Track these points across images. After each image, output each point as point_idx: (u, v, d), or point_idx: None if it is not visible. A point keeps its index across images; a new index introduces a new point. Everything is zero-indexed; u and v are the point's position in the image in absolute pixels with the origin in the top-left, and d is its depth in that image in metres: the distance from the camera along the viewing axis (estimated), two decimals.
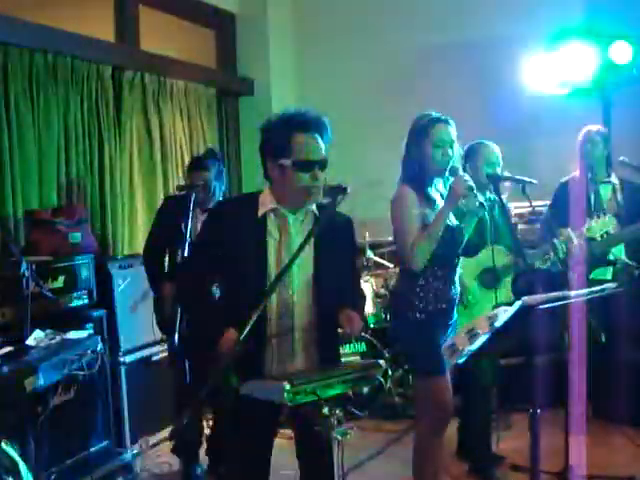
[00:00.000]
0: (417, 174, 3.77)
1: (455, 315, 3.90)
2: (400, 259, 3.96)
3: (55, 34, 5.25)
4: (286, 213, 3.14)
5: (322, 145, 3.09)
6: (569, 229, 4.32)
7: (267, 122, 3.17)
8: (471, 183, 3.65)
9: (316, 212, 3.18)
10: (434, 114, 3.80)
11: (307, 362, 3.18)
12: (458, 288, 3.92)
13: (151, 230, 5.01)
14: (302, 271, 3.10)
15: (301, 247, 2.83)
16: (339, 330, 3.25)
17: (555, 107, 6.31)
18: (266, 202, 3.15)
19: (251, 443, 3.18)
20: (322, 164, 3.07)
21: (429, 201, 3.78)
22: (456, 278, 3.90)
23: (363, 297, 3.73)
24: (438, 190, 3.84)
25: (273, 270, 3.09)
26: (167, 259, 4.82)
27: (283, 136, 3.07)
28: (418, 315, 3.77)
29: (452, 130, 3.77)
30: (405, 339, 3.99)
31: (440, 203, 3.77)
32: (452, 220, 3.80)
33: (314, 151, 3.06)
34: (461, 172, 3.75)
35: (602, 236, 4.57)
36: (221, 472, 4.71)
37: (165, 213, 4.85)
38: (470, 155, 4.53)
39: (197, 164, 4.77)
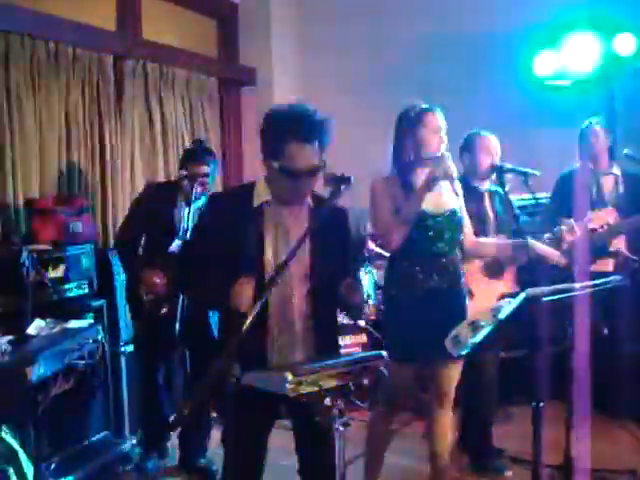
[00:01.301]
0: (410, 163, 3.77)
1: (447, 307, 3.84)
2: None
3: (56, 22, 5.22)
4: (281, 205, 3.14)
5: (315, 152, 3.04)
6: (571, 220, 4.31)
7: (266, 117, 3.13)
8: (449, 169, 3.64)
9: (311, 204, 3.18)
10: (424, 104, 3.81)
11: (306, 353, 3.18)
12: (448, 279, 3.87)
13: (130, 214, 4.95)
14: (299, 263, 3.09)
15: (297, 246, 2.80)
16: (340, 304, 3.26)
17: (558, 99, 6.30)
18: (262, 193, 3.16)
19: (249, 434, 3.18)
20: (312, 172, 3.05)
21: (411, 192, 3.75)
22: (440, 266, 3.85)
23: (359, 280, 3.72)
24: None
25: (271, 260, 3.11)
26: (143, 246, 4.81)
27: (275, 140, 3.05)
28: (389, 299, 3.88)
29: (441, 118, 3.78)
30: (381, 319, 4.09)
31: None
32: (435, 208, 3.78)
33: (303, 160, 3.02)
34: (447, 158, 3.72)
35: (603, 227, 4.56)
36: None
37: (147, 200, 4.80)
38: (468, 146, 4.52)
39: (201, 155, 4.74)
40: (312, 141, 3.02)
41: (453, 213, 3.83)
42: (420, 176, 3.76)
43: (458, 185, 3.88)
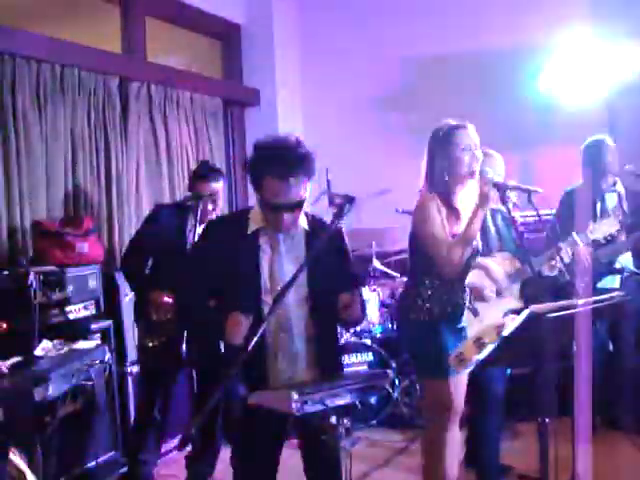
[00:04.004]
0: (445, 182, 3.78)
1: (464, 321, 3.88)
2: (418, 262, 3.94)
3: (62, 46, 5.27)
4: (276, 230, 3.17)
5: (297, 186, 3.03)
6: (574, 233, 4.32)
7: (253, 149, 3.15)
8: (494, 178, 3.68)
9: (307, 228, 3.20)
10: (452, 121, 3.81)
11: (309, 374, 3.20)
12: (467, 295, 3.91)
13: (136, 235, 4.95)
14: (297, 285, 3.07)
15: (294, 276, 2.81)
16: (340, 318, 3.26)
17: (561, 115, 6.32)
18: (256, 219, 3.20)
19: (257, 453, 3.19)
20: (293, 206, 3.06)
21: (452, 210, 3.78)
22: (465, 284, 3.89)
23: (362, 295, 3.72)
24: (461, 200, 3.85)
25: (267, 284, 3.14)
26: (151, 267, 4.80)
27: (257, 174, 3.08)
28: (422, 317, 3.80)
29: (473, 134, 3.79)
30: (409, 341, 4.04)
31: (466, 212, 3.78)
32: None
33: (282, 195, 3.02)
34: (489, 173, 3.75)
35: (606, 238, 4.57)
36: None
37: (156, 221, 4.79)
38: None
39: (206, 174, 4.75)
40: (292, 176, 3.00)
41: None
42: (458, 195, 3.80)
43: None
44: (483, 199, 3.69)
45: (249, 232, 3.17)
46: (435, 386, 3.88)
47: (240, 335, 2.98)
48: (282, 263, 3.15)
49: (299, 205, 3.08)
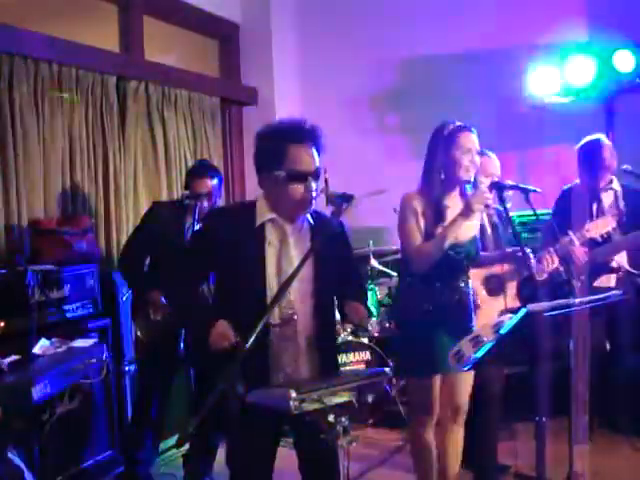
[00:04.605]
0: (440, 181, 3.76)
1: (458, 321, 3.87)
2: (402, 260, 3.97)
3: (60, 44, 5.26)
4: (284, 223, 3.17)
5: (316, 156, 3.12)
6: (570, 232, 4.33)
7: (261, 132, 3.20)
8: (489, 201, 3.66)
9: (311, 221, 3.21)
10: (458, 122, 3.80)
11: (310, 371, 3.21)
12: (461, 294, 3.89)
13: (134, 234, 4.97)
14: (303, 281, 3.11)
15: (301, 264, 2.82)
16: (346, 322, 3.30)
17: (558, 115, 6.33)
18: (263, 212, 3.18)
19: (254, 452, 3.19)
20: (316, 174, 3.12)
21: (438, 211, 3.75)
22: (458, 284, 3.88)
23: (365, 291, 3.76)
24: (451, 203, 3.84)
25: (273, 279, 3.13)
26: (149, 265, 4.82)
27: (277, 147, 3.10)
28: (403, 315, 3.86)
29: (476, 139, 3.77)
30: (393, 338, 4.09)
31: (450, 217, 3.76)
32: (457, 238, 3.78)
33: (308, 162, 3.09)
34: (483, 187, 3.75)
35: (602, 236, 4.57)
36: None
37: (153, 218, 4.81)
38: None
39: (202, 172, 4.76)
40: (310, 143, 3.11)
41: (474, 240, 3.87)
42: (451, 198, 3.79)
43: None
44: (467, 210, 3.65)
45: (256, 225, 3.17)
46: (413, 385, 3.91)
47: (223, 343, 3.00)
48: (290, 256, 3.15)
49: (320, 174, 3.15)
